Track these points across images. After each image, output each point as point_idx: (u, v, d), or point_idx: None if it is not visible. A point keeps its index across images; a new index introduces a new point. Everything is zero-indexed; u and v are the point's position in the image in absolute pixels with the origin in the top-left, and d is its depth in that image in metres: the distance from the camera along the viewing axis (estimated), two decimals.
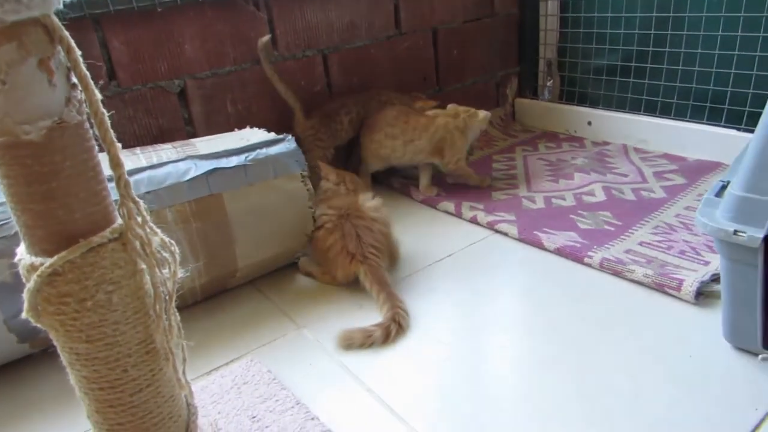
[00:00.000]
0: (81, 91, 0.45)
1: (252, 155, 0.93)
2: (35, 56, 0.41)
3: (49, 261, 0.45)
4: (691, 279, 0.90)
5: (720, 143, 1.39)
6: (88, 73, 0.44)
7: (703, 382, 0.73)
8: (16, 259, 0.48)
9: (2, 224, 0.79)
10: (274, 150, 0.95)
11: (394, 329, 0.87)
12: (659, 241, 1.05)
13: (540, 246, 1.09)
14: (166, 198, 0.85)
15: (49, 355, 0.85)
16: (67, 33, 0.43)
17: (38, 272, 0.45)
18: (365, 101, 1.42)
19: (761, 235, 0.66)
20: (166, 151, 0.94)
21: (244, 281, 1.04)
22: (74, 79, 0.45)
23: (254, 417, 0.73)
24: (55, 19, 0.42)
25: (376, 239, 0.99)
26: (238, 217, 0.91)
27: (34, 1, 0.39)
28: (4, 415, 0.80)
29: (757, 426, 0.66)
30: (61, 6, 0.42)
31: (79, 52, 0.44)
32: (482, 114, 1.35)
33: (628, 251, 1.03)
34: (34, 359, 0.88)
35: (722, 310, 0.79)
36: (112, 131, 0.46)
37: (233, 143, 0.95)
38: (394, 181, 1.47)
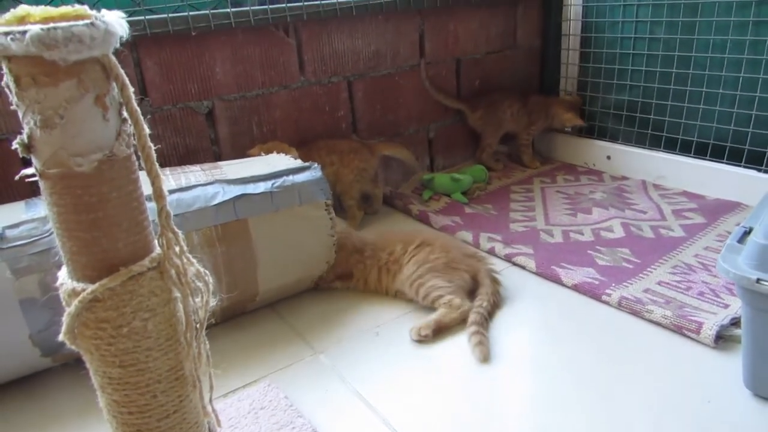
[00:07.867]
0: (130, 125, 0.47)
1: (278, 182, 0.95)
2: (92, 93, 0.43)
3: (90, 287, 0.46)
4: (711, 322, 0.89)
5: (740, 183, 1.39)
6: (138, 109, 0.46)
7: (722, 429, 0.73)
8: (57, 284, 0.49)
9: (33, 240, 0.81)
10: (300, 178, 0.97)
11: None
12: (678, 282, 1.05)
13: (558, 281, 1.09)
14: (193, 221, 0.87)
15: (69, 369, 0.87)
16: (122, 71, 0.45)
17: (79, 298, 0.47)
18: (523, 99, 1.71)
19: None
20: (194, 173, 0.96)
21: (263, 305, 1.05)
22: (125, 114, 0.47)
23: None
24: (113, 58, 0.44)
25: None
26: (262, 243, 0.93)
27: (95, 41, 0.41)
28: (24, 426, 0.81)
29: None
30: (119, 45, 0.44)
31: (132, 89, 0.46)
32: None
33: (646, 290, 1.02)
34: (54, 372, 0.89)
35: (742, 357, 0.78)
36: (157, 164, 0.48)
37: (260, 169, 0.97)
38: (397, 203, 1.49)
